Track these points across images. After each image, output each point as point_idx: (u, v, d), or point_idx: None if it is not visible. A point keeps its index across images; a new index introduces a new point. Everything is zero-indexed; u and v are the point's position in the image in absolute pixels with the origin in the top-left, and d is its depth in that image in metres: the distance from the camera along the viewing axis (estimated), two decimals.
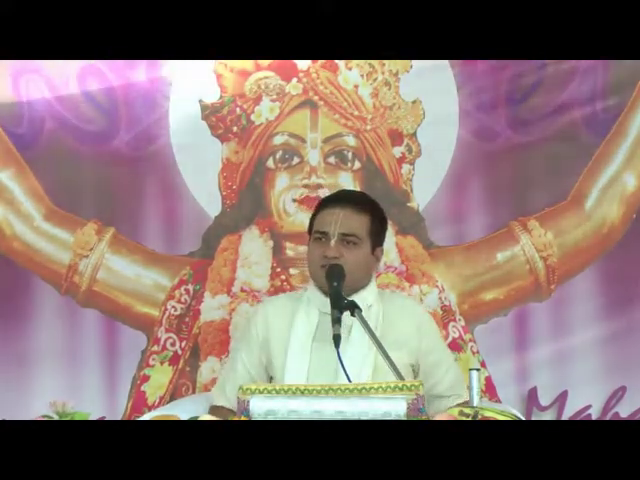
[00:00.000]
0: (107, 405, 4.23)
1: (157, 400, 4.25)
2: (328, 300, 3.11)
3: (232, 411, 3.12)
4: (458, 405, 2.96)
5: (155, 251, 4.33)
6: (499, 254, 4.32)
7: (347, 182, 4.29)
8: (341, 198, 3.34)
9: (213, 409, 3.25)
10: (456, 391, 3.24)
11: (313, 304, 3.26)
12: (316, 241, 3.25)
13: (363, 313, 3.03)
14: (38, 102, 4.30)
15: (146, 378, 4.27)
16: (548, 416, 4.22)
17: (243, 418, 2.50)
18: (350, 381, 2.85)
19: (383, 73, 4.31)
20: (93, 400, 4.18)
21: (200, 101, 4.33)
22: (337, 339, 2.96)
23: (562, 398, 4.22)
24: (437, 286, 4.29)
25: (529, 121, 4.32)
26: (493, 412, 2.50)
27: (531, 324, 4.30)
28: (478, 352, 4.27)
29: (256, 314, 3.39)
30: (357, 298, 3.14)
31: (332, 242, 3.21)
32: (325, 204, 3.31)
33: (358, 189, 4.26)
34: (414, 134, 4.33)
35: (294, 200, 4.30)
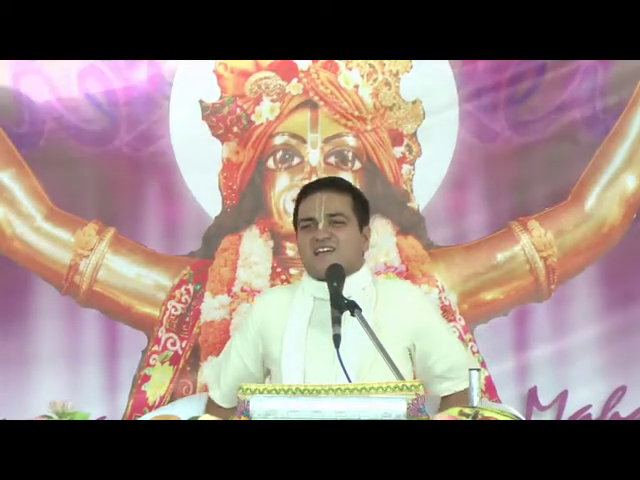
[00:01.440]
0: (107, 405, 4.23)
1: (157, 400, 4.26)
2: (322, 284, 3.13)
3: (223, 408, 3.34)
4: (457, 398, 2.97)
5: (155, 251, 4.33)
6: (499, 254, 4.33)
7: None
8: (319, 183, 3.42)
9: (209, 403, 3.43)
10: (458, 373, 3.20)
11: (307, 292, 3.28)
12: (304, 229, 3.28)
13: (357, 295, 3.05)
14: (39, 102, 4.30)
15: (147, 378, 4.28)
16: (548, 416, 4.22)
17: (243, 418, 2.50)
18: (350, 381, 2.85)
19: (383, 73, 4.32)
20: (93, 400, 4.18)
21: (200, 101, 4.33)
22: (337, 339, 2.96)
23: (562, 398, 4.22)
24: (437, 286, 4.29)
25: (529, 121, 4.32)
26: (493, 412, 2.50)
27: (531, 324, 4.30)
28: (478, 352, 4.27)
29: (253, 307, 3.45)
30: (350, 281, 3.16)
31: (320, 225, 3.24)
32: (305, 192, 3.35)
33: None
34: (414, 134, 4.34)
35: (294, 200, 4.30)
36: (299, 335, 3.22)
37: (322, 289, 3.14)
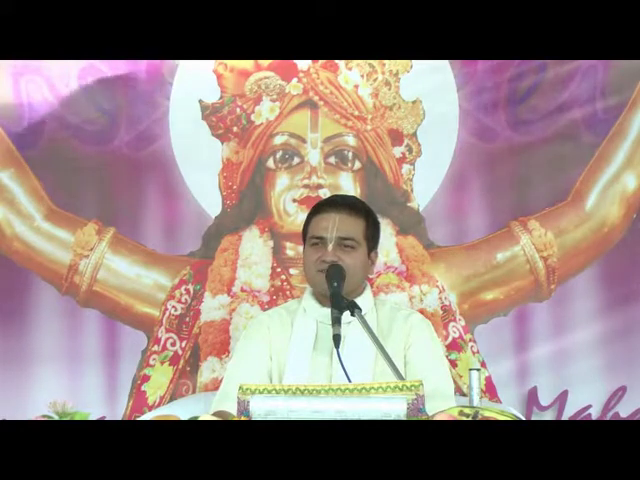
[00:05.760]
0: (107, 405, 4.23)
1: (157, 400, 4.26)
2: (326, 310, 3.09)
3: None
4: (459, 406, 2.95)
5: (155, 251, 4.34)
6: (499, 254, 4.33)
7: (347, 182, 4.30)
8: (335, 202, 3.29)
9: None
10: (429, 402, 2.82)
11: (310, 315, 3.23)
12: (312, 246, 3.20)
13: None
14: (38, 102, 4.31)
15: (146, 378, 4.28)
16: (548, 416, 4.22)
17: (243, 418, 2.50)
18: (350, 381, 2.84)
19: (383, 73, 4.32)
20: (93, 400, 4.18)
21: (200, 101, 4.33)
22: (337, 339, 2.95)
23: (562, 398, 4.22)
24: (437, 286, 4.30)
25: (529, 121, 4.32)
26: (493, 412, 2.50)
27: (531, 324, 4.30)
28: (478, 352, 4.27)
29: (256, 325, 3.31)
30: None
31: (330, 246, 3.17)
32: (319, 209, 3.26)
33: (358, 189, 4.28)
34: (414, 134, 4.34)
35: (294, 200, 4.31)
36: (303, 360, 3.16)
37: (327, 315, 3.10)
